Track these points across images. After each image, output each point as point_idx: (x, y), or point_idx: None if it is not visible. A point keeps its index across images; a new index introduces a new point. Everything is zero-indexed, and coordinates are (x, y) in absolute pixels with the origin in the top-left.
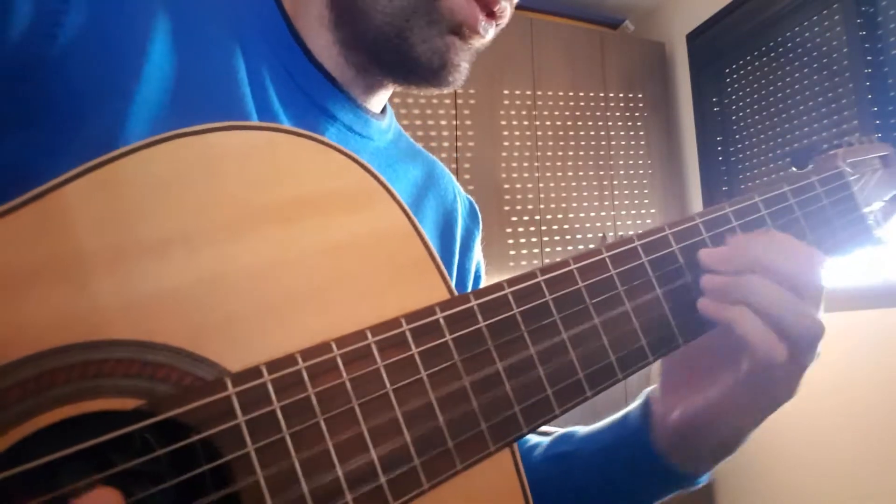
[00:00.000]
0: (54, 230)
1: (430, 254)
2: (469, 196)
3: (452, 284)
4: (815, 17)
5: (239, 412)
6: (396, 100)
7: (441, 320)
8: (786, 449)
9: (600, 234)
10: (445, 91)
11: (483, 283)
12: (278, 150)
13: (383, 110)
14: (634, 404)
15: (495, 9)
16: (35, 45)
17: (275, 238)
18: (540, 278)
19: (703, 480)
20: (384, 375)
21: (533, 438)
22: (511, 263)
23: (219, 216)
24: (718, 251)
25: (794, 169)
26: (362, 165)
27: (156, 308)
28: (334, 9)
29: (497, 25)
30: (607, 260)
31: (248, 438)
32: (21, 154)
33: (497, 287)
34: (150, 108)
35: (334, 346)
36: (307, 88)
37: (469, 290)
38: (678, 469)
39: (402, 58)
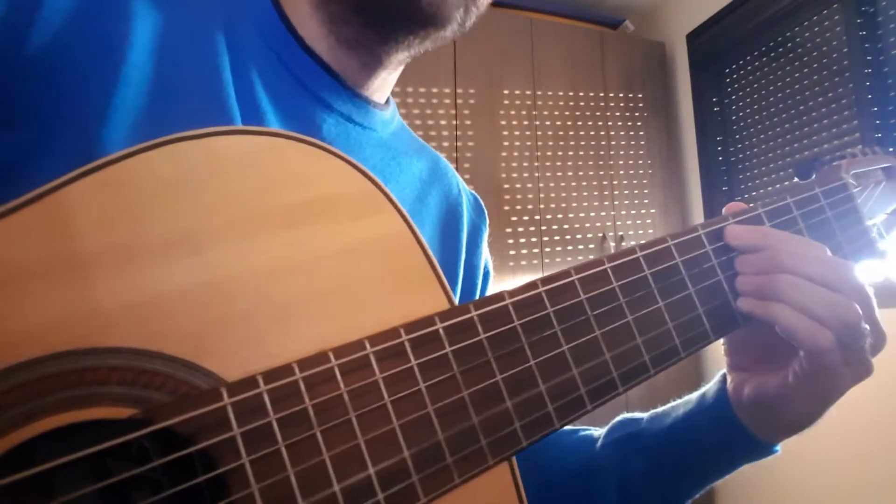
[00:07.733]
0: (56, 231)
1: (431, 263)
2: (474, 192)
3: (452, 293)
4: (815, 17)
5: (234, 423)
6: (396, 100)
7: (441, 331)
8: (786, 448)
9: (600, 235)
10: (447, 34)
11: (491, 282)
12: (281, 154)
13: (387, 102)
14: (710, 383)
15: None
16: (8, 46)
17: (279, 242)
18: (541, 289)
19: (778, 450)
20: (382, 387)
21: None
22: (511, 263)
23: (224, 218)
24: (750, 256)
25: (796, 179)
26: (364, 173)
27: (158, 311)
28: None
29: None
30: (609, 271)
31: (243, 451)
32: (3, 154)
33: (498, 297)
34: (129, 112)
35: (332, 357)
36: (302, 78)
37: (478, 288)
38: (756, 438)
39: (387, 4)
